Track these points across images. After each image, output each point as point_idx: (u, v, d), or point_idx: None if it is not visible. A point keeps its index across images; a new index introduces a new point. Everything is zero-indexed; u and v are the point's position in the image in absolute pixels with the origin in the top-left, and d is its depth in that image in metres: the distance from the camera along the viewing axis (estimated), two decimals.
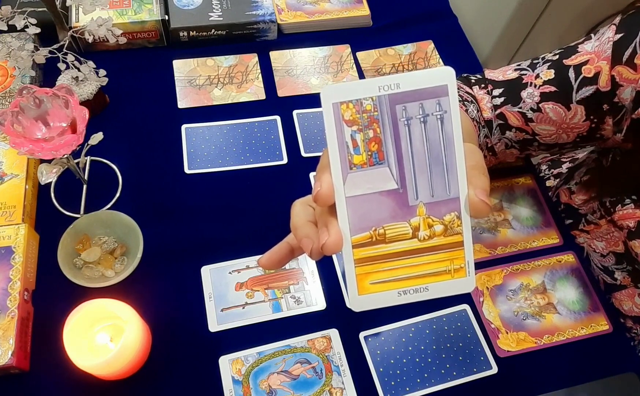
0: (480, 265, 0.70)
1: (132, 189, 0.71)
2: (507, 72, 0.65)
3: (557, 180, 0.83)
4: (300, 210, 0.38)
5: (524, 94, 0.62)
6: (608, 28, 0.58)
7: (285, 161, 0.77)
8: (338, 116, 0.33)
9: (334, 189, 0.33)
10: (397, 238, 0.34)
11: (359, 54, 0.91)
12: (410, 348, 0.63)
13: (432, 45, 0.93)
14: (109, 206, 0.69)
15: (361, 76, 0.88)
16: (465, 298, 0.67)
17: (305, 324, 0.64)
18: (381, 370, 0.61)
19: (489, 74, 0.67)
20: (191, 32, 0.86)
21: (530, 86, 0.62)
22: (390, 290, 0.34)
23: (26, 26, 0.64)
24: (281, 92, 0.84)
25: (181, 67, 0.84)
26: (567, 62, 0.60)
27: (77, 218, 0.65)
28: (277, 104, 0.83)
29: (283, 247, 0.42)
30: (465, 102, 0.63)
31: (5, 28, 0.62)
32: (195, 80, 0.83)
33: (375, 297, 0.34)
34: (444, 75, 0.33)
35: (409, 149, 0.33)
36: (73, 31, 0.72)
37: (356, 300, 0.35)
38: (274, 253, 0.42)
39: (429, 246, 0.34)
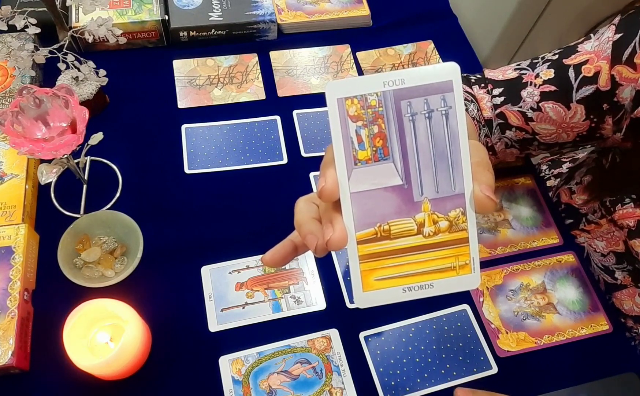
0: (480, 265, 0.69)
1: (132, 189, 0.71)
2: (507, 72, 0.65)
3: (558, 180, 0.83)
4: (304, 207, 0.38)
5: (524, 93, 0.62)
6: (607, 28, 0.58)
7: (285, 161, 0.77)
8: (343, 111, 0.33)
9: (339, 185, 0.33)
10: (402, 234, 0.34)
11: (359, 54, 0.91)
12: (410, 348, 0.63)
13: (432, 45, 0.93)
14: (109, 206, 0.69)
15: (361, 76, 0.88)
16: (465, 298, 0.67)
17: (305, 324, 0.64)
18: (381, 370, 0.61)
19: (489, 73, 0.67)
20: (191, 32, 0.86)
21: (530, 85, 0.62)
22: (395, 286, 0.34)
23: (26, 26, 0.64)
24: (281, 92, 0.84)
25: (181, 67, 0.84)
26: (566, 61, 0.60)
27: (77, 218, 0.65)
28: (277, 104, 0.83)
29: (286, 244, 0.42)
30: (466, 102, 0.63)
31: (5, 28, 0.62)
32: (195, 80, 0.83)
33: (380, 293, 0.34)
34: (449, 71, 0.33)
35: (413, 144, 0.33)
36: (73, 31, 0.72)
37: (361, 297, 0.34)
38: (278, 251, 0.42)
39: (434, 242, 0.34)
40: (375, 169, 0.33)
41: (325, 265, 0.68)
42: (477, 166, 0.34)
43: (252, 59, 0.87)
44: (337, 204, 0.34)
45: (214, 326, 0.62)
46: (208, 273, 0.66)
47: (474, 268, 0.34)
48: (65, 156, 0.61)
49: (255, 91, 0.83)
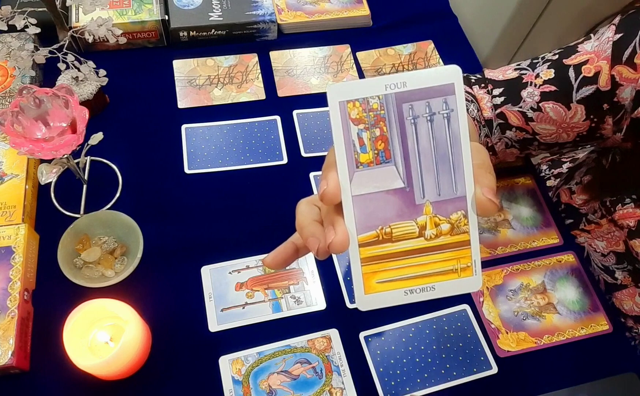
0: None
1: (132, 189, 0.71)
2: (507, 72, 0.65)
3: (558, 180, 0.83)
4: (306, 209, 0.38)
5: (524, 93, 0.62)
6: (607, 28, 0.58)
7: (285, 161, 0.77)
8: (344, 114, 0.33)
9: (341, 188, 0.33)
10: (404, 237, 0.34)
11: (359, 54, 0.91)
12: (410, 348, 0.63)
13: (432, 45, 0.93)
14: (109, 206, 0.69)
15: (361, 76, 0.88)
16: (466, 298, 0.67)
17: (305, 324, 0.64)
18: (381, 370, 0.61)
19: (489, 73, 0.67)
20: (191, 32, 0.86)
21: (531, 85, 0.62)
22: (397, 289, 0.34)
23: (26, 26, 0.64)
24: (281, 92, 0.84)
25: (181, 67, 0.84)
26: (567, 61, 0.60)
27: (77, 218, 0.65)
28: (277, 104, 0.83)
29: (288, 247, 0.42)
30: (466, 102, 0.63)
31: (5, 28, 0.62)
32: (195, 80, 0.83)
33: (381, 296, 0.34)
34: (451, 73, 0.33)
35: (415, 147, 0.33)
36: (73, 31, 0.72)
37: (362, 299, 0.34)
38: (279, 253, 0.42)
39: (436, 245, 0.34)
40: (377, 172, 0.33)
41: (325, 265, 0.68)
42: (479, 169, 0.34)
43: (252, 59, 0.87)
44: (339, 207, 0.34)
45: (214, 326, 0.62)
46: (208, 273, 0.66)
47: (475, 270, 0.34)
48: (65, 156, 0.61)
49: (255, 91, 0.83)
